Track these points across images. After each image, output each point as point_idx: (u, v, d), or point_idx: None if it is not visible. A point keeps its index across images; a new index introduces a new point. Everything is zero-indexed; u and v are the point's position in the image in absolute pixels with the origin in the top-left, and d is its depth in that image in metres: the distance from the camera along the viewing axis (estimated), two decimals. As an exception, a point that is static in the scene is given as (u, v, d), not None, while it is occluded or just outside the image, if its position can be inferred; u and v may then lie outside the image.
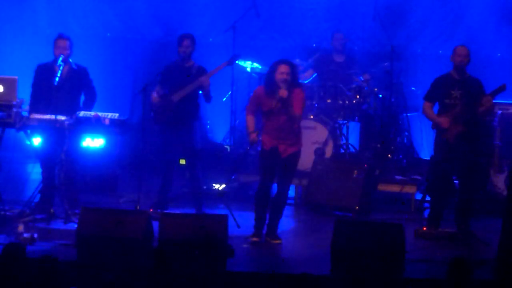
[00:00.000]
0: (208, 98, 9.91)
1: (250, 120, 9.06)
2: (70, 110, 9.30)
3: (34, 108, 9.29)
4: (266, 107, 8.84)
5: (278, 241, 8.88)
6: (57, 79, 9.22)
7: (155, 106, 9.94)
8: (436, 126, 9.51)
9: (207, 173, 10.90)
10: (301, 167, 10.50)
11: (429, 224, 9.47)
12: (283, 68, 8.77)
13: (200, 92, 10.01)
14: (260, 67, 12.29)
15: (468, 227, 9.32)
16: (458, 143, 9.35)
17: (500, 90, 9.24)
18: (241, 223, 9.37)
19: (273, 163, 8.84)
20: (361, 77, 12.01)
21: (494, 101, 9.41)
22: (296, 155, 8.92)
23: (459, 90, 9.37)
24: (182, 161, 10.66)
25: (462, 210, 9.40)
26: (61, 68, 9.36)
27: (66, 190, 9.42)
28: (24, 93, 9.44)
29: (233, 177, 10.45)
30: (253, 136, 8.96)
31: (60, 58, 9.38)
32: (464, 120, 9.32)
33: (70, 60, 9.55)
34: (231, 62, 10.19)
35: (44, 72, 9.52)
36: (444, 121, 9.34)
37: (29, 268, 7.06)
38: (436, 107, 9.66)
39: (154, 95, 9.92)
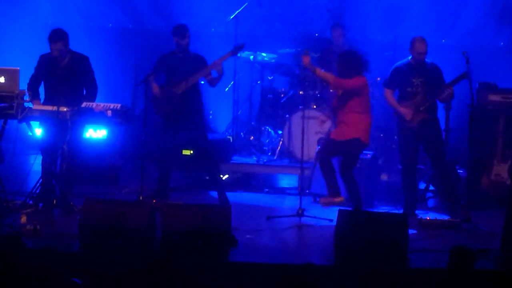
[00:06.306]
0: (214, 83, 9.88)
1: None
2: (72, 100, 9.27)
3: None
4: None
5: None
6: (58, 69, 9.24)
7: (156, 97, 9.88)
8: (398, 113, 9.58)
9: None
10: (304, 157, 10.46)
11: (406, 211, 9.42)
12: None
13: (202, 82, 9.98)
14: (263, 55, 12.25)
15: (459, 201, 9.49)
16: (422, 130, 9.52)
17: (461, 78, 9.28)
18: (244, 211, 9.42)
19: None
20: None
21: (497, 89, 9.40)
22: None
23: (419, 78, 9.49)
24: (186, 152, 10.63)
25: (446, 187, 9.63)
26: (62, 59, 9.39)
27: (67, 182, 9.42)
28: (26, 85, 9.44)
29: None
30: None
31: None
32: (426, 108, 9.41)
33: (71, 49, 9.52)
34: (234, 52, 10.05)
35: (45, 62, 9.49)
36: (407, 113, 9.46)
37: (31, 259, 7.08)
38: (397, 93, 9.79)
39: (155, 85, 9.88)
